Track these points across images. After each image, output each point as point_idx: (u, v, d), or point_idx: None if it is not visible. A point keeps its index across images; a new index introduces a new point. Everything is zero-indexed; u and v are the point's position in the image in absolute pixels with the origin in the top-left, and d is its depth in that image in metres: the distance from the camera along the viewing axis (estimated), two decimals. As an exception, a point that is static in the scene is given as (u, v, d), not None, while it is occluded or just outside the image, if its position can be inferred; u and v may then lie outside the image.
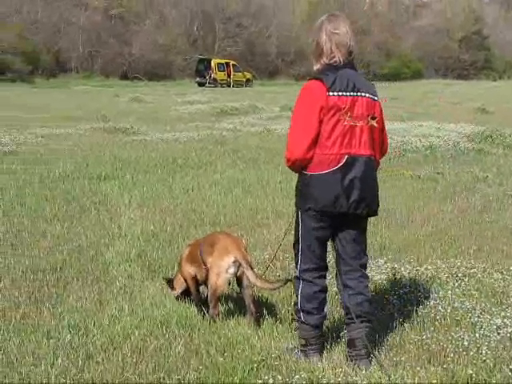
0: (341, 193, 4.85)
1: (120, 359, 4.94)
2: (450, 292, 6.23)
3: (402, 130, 19.78)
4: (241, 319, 5.71)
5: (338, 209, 4.88)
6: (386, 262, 7.03)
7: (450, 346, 5.15)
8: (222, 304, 6.06)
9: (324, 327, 5.29)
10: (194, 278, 6.02)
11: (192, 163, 14.23)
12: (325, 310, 5.15)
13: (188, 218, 9.45)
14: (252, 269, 5.65)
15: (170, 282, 6.34)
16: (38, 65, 63.85)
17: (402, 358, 4.99)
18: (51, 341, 5.22)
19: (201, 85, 61.73)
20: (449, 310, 5.80)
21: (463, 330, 5.43)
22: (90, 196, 10.89)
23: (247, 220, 9.46)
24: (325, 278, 5.17)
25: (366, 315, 5.08)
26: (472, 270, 6.91)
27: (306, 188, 4.95)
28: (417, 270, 6.83)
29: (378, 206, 5.18)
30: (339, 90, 4.84)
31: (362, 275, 5.13)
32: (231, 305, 6.11)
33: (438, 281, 6.65)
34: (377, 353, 5.10)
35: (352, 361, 4.99)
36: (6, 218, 9.29)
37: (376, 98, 5.03)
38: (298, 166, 4.97)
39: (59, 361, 4.89)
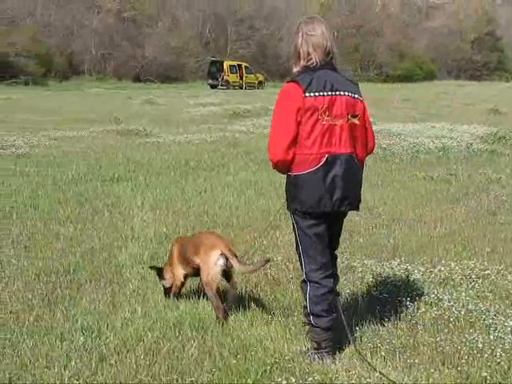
0: (324, 192, 4.94)
1: (133, 361, 4.94)
2: (463, 294, 6.20)
3: (414, 131, 19.73)
4: (254, 321, 5.70)
5: (322, 209, 4.97)
6: (399, 264, 7.01)
7: (464, 348, 5.13)
8: (236, 307, 6.06)
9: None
10: (185, 276, 6.24)
11: (204, 165, 14.24)
12: (333, 311, 5.15)
13: (200, 220, 9.45)
14: (236, 257, 5.81)
15: (159, 271, 6.47)
16: (51, 67, 64.05)
17: (416, 360, 4.97)
18: (64, 343, 5.23)
19: (213, 87, 61.80)
20: (463, 312, 5.77)
21: (477, 332, 5.41)
22: (103, 198, 10.91)
23: (260, 222, 9.44)
24: (331, 277, 5.17)
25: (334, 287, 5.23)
26: (486, 272, 6.88)
27: (292, 189, 5.06)
28: (430, 272, 6.81)
29: (360, 201, 5.25)
30: (316, 91, 4.92)
31: (335, 257, 5.39)
32: (244, 307, 6.09)
33: (452, 282, 6.63)
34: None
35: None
36: (20, 221, 9.31)
37: (357, 97, 5.09)
38: (282, 166, 5.06)
39: (72, 363, 4.90)
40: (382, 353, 5.11)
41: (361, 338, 5.38)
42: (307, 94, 4.91)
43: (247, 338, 5.32)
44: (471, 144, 16.99)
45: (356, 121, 5.05)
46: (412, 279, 6.58)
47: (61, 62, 66.32)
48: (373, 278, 6.59)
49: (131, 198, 10.78)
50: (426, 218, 9.77)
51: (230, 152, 15.98)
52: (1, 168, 13.46)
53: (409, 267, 6.89)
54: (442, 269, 6.89)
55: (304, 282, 5.18)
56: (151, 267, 6.68)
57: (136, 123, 22.70)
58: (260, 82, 66.59)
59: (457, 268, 6.95)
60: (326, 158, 4.92)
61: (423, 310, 5.90)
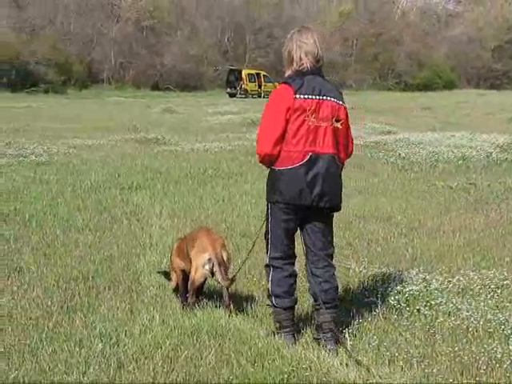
0: (304, 187, 5.31)
1: (151, 368, 4.96)
2: (482, 304, 6.18)
3: (434, 140, 19.69)
4: (271, 329, 5.70)
5: (302, 201, 5.34)
6: (417, 273, 6.98)
7: (483, 358, 5.11)
8: (252, 315, 6.07)
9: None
10: (183, 270, 6.42)
11: (222, 174, 14.27)
12: (295, 294, 5.60)
13: (218, 228, 9.46)
14: (220, 267, 6.02)
15: (167, 275, 6.80)
16: (71, 76, 64.41)
17: (434, 370, 4.96)
18: (83, 349, 5.25)
19: (231, 95, 61.89)
20: (481, 322, 5.75)
21: (496, 342, 5.38)
22: (122, 206, 10.94)
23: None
24: (293, 264, 5.61)
25: (332, 301, 5.54)
26: (505, 282, 6.84)
27: (274, 182, 5.44)
28: (449, 282, 6.77)
29: (341, 201, 5.60)
30: (305, 94, 5.33)
31: (329, 264, 5.60)
32: (261, 315, 6.10)
33: (471, 292, 6.59)
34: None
35: (320, 344, 5.46)
36: (39, 228, 9.36)
37: (341, 103, 5.48)
38: (267, 160, 5.46)
39: (91, 369, 4.92)
40: (400, 362, 5.10)
41: (378, 347, 5.37)
42: (297, 96, 5.32)
43: (264, 346, 5.32)
44: (491, 153, 16.92)
45: (339, 125, 5.46)
46: (430, 288, 6.55)
47: (80, 71, 66.67)
48: (391, 287, 6.57)
49: (149, 206, 10.81)
50: (445, 228, 9.74)
51: (248, 160, 15.98)
52: (21, 175, 13.54)
53: (427, 276, 6.86)
54: (461, 278, 6.85)
55: (267, 266, 5.63)
56: (158, 272, 7.00)
57: (155, 131, 22.77)
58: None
59: (476, 277, 6.91)
60: (310, 156, 5.32)
61: (441, 319, 5.88)
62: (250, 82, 63.12)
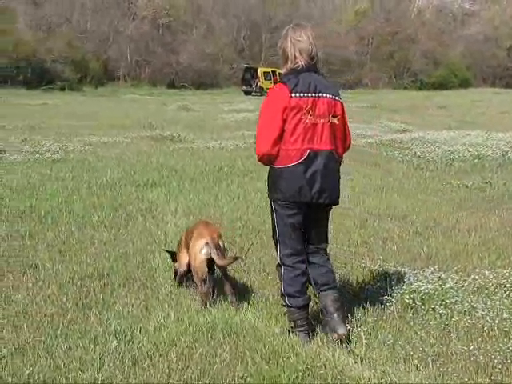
0: (304, 184, 5.41)
1: (166, 366, 4.96)
2: (498, 303, 6.14)
3: (449, 138, 19.63)
4: (285, 327, 5.69)
5: (302, 198, 5.44)
6: (432, 272, 6.94)
7: (498, 357, 5.08)
8: (267, 312, 6.07)
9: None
10: (187, 264, 6.59)
11: (238, 171, 14.26)
12: (307, 292, 5.64)
13: (233, 226, 9.46)
14: (217, 249, 6.20)
15: (172, 255, 7.01)
16: (87, 73, 64.62)
17: (449, 369, 4.93)
18: (98, 346, 5.26)
19: (247, 93, 61.91)
20: (497, 321, 5.72)
21: (512, 341, 5.36)
22: (137, 203, 10.96)
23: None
24: (304, 262, 5.63)
25: (332, 283, 5.68)
26: (521, 281, 6.81)
27: (275, 180, 5.53)
28: (464, 280, 6.74)
29: (339, 195, 5.70)
30: (301, 92, 5.40)
31: (324, 254, 5.75)
32: (275, 313, 6.09)
33: (486, 291, 6.56)
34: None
35: (328, 329, 5.53)
36: (55, 225, 9.39)
37: (337, 98, 5.59)
38: (266, 160, 5.54)
39: (106, 366, 4.93)
40: (415, 361, 5.08)
41: (393, 345, 5.36)
42: (293, 95, 5.38)
43: (279, 343, 5.31)
44: (507, 152, 16.83)
45: (336, 121, 5.56)
46: (446, 287, 6.52)
47: (96, 68, 66.89)
48: (406, 285, 6.55)
49: (165, 204, 10.82)
50: (461, 226, 9.70)
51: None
52: (37, 172, 13.59)
53: (442, 275, 6.82)
54: (477, 277, 6.81)
55: (279, 265, 5.69)
56: (165, 250, 7.25)
57: (170, 129, 22.81)
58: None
59: (491, 276, 6.87)
60: (308, 154, 5.40)
61: (457, 318, 5.85)
62: (265, 79, 63.06)
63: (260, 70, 63.63)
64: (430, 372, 4.92)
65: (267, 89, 61.99)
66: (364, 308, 6.17)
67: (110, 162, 15.38)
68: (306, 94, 5.40)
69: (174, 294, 6.63)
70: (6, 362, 5.04)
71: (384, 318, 5.93)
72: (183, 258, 6.68)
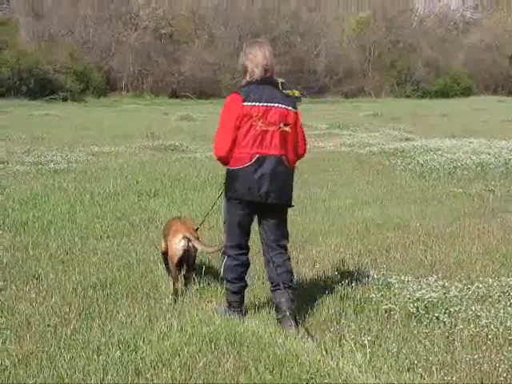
0: (253, 185, 5.95)
1: (169, 376, 4.95)
2: (502, 311, 6.13)
3: (452, 146, 19.63)
4: (289, 336, 5.68)
5: (251, 198, 5.99)
6: (436, 280, 6.94)
7: (503, 365, 5.07)
8: (271, 321, 6.06)
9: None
10: (165, 252, 7.20)
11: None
12: (246, 279, 6.31)
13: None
14: (197, 239, 6.91)
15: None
16: (89, 84, 64.64)
17: (454, 378, 4.92)
18: (101, 357, 5.25)
19: (249, 103, 61.86)
20: (501, 330, 5.71)
21: (516, 349, 5.34)
22: (140, 213, 10.97)
23: (295, 237, 9.41)
24: (245, 255, 6.27)
25: (287, 282, 6.14)
26: (524, 289, 6.79)
27: (228, 180, 6.13)
28: (468, 289, 6.73)
29: (290, 197, 6.22)
30: (253, 101, 5.94)
31: (281, 252, 6.23)
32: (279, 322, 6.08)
33: (490, 299, 6.54)
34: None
35: (280, 323, 6.01)
36: (57, 235, 9.40)
37: (290, 108, 6.09)
38: (223, 161, 6.16)
39: (109, 377, 4.92)
40: (420, 369, 5.07)
41: (397, 354, 5.34)
42: (245, 104, 5.93)
43: (283, 353, 5.30)
44: (509, 160, 16.79)
45: (288, 129, 6.07)
46: (449, 296, 6.51)
47: (99, 79, 66.88)
48: (409, 294, 6.53)
49: (168, 213, 10.80)
50: (464, 234, 9.69)
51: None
52: (39, 183, 13.61)
53: (446, 283, 6.82)
54: (480, 285, 6.81)
55: (223, 253, 6.34)
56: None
57: (173, 139, 22.82)
58: (296, 98, 66.54)
59: (495, 284, 6.86)
60: (257, 158, 5.95)
61: (461, 326, 5.83)
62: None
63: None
64: (435, 381, 4.91)
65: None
66: (368, 316, 6.17)
67: (112, 171, 15.39)
68: (257, 103, 5.94)
69: (177, 303, 6.62)
70: (10, 372, 5.04)
71: (388, 326, 5.92)
72: (161, 245, 7.38)
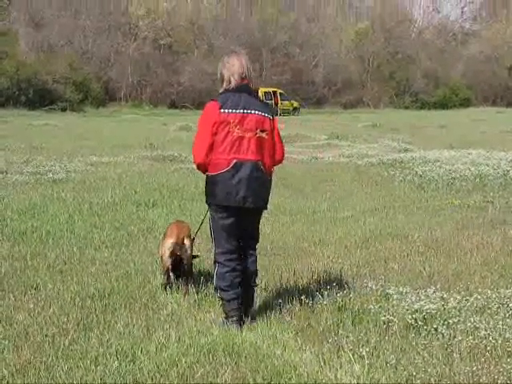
0: (231, 190, 6.12)
1: (167, 386, 4.94)
2: (500, 322, 6.11)
3: (450, 157, 19.64)
4: (287, 347, 5.67)
5: (230, 203, 6.16)
6: (434, 292, 6.93)
7: (502, 377, 5.06)
8: (269, 332, 6.06)
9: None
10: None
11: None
12: (238, 287, 6.31)
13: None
14: (182, 249, 7.17)
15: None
16: (88, 94, 64.73)
17: (452, 390, 4.91)
18: (99, 367, 5.24)
19: (248, 113, 61.86)
20: (500, 341, 5.69)
21: (515, 361, 5.33)
22: (138, 223, 10.97)
23: (293, 248, 9.45)
24: (235, 260, 6.33)
25: (251, 283, 6.53)
26: (523, 300, 6.78)
27: (208, 186, 6.30)
28: (466, 300, 6.71)
29: (266, 202, 6.44)
30: (230, 108, 6.13)
31: (251, 253, 6.50)
32: (277, 333, 6.07)
33: (489, 311, 6.52)
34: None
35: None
36: (56, 245, 9.40)
37: (266, 115, 6.28)
38: (202, 167, 6.31)
39: (107, 387, 4.91)
40: (418, 381, 5.05)
41: (396, 366, 5.33)
42: (222, 111, 6.11)
43: (281, 364, 5.29)
44: (508, 171, 16.79)
45: (264, 135, 6.26)
46: (448, 307, 6.50)
47: (97, 89, 67.01)
48: (408, 305, 6.52)
49: (166, 223, 10.76)
50: (462, 246, 9.67)
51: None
52: (38, 193, 13.61)
53: (445, 295, 6.80)
54: (479, 297, 6.79)
55: (214, 262, 6.42)
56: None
57: (171, 149, 22.84)
58: (295, 109, 66.67)
59: (494, 296, 6.85)
60: (235, 163, 6.11)
61: (459, 338, 5.82)
62: (266, 100, 62.97)
63: (261, 90, 63.54)
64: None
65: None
66: (366, 328, 6.15)
67: (111, 182, 15.40)
68: (234, 110, 6.13)
69: (176, 314, 6.62)
70: (7, 382, 5.04)
71: (386, 338, 5.90)
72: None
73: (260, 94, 62.24)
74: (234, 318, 6.25)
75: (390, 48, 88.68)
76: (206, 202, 6.37)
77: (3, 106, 54.38)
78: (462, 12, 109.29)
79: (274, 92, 65.12)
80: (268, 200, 6.46)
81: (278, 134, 6.48)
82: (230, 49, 6.75)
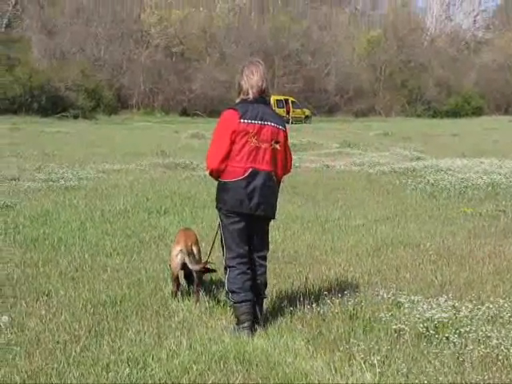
0: (244, 197, 6.28)
1: (178, 394, 4.95)
2: (512, 331, 6.10)
3: (463, 166, 19.60)
4: (298, 355, 5.67)
5: (242, 209, 6.30)
6: (446, 300, 6.91)
7: (514, 387, 5.04)
8: (280, 340, 6.05)
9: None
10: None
11: (251, 199, 14.21)
12: (249, 290, 6.38)
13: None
14: (190, 256, 7.20)
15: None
16: (100, 101, 64.91)
17: (464, 399, 4.90)
18: (110, 374, 5.26)
19: (260, 121, 61.83)
20: (512, 351, 5.69)
21: (527, 370, 5.31)
22: (150, 230, 10.99)
23: (305, 256, 9.44)
24: (246, 264, 6.43)
25: (261, 294, 6.59)
26: (535, 310, 6.75)
27: (220, 192, 6.43)
28: (478, 309, 6.69)
29: (275, 210, 6.59)
30: (249, 118, 6.27)
31: (261, 264, 6.59)
32: (289, 341, 6.06)
33: (501, 320, 6.51)
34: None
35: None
36: (68, 252, 9.43)
37: (280, 127, 6.46)
38: (215, 174, 6.43)
39: (118, 394, 4.92)
40: (429, 390, 5.04)
41: (407, 374, 5.32)
42: (242, 120, 6.26)
43: (292, 372, 5.29)
44: (520, 180, 16.76)
45: (278, 146, 6.44)
46: (459, 316, 6.48)
47: (110, 96, 67.16)
48: (419, 314, 6.51)
49: (177, 231, 10.81)
50: (475, 255, 9.65)
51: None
52: (50, 200, 13.65)
53: (456, 304, 6.78)
54: (491, 306, 6.77)
55: (224, 267, 6.54)
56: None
57: (183, 157, 22.87)
58: (307, 117, 66.61)
59: (506, 305, 6.83)
60: (250, 172, 6.27)
61: (471, 347, 5.80)
62: (278, 107, 62.89)
63: (273, 98, 63.43)
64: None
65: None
66: (377, 336, 6.15)
67: (122, 189, 15.43)
68: (253, 121, 6.27)
69: (187, 321, 6.63)
70: (19, 389, 5.04)
71: (397, 346, 5.90)
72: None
73: (272, 101, 62.20)
74: (246, 324, 6.31)
75: (403, 56, 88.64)
76: (216, 207, 6.52)
77: (16, 113, 54.59)
78: (475, 20, 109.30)
79: (286, 100, 65.08)
80: (276, 209, 6.62)
81: (289, 145, 6.67)
82: (249, 59, 6.81)
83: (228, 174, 6.32)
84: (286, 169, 6.70)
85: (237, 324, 6.36)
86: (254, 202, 6.29)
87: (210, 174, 6.52)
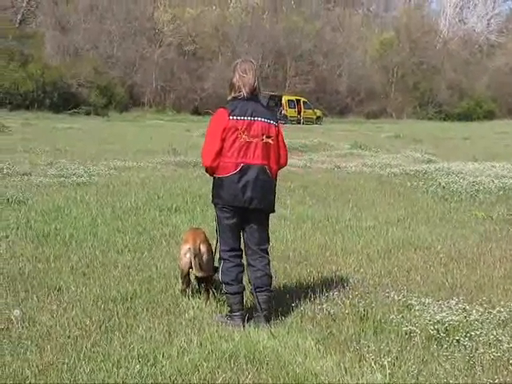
0: (238, 192, 6.48)
1: (188, 391, 4.95)
2: (524, 335, 6.09)
3: (474, 169, 19.55)
4: (309, 355, 5.67)
5: (236, 203, 6.49)
6: (457, 303, 6.89)
7: (524, 391, 5.03)
8: (291, 339, 6.05)
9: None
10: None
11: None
12: (242, 282, 6.66)
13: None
14: (196, 258, 7.14)
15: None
16: (112, 98, 65.08)
17: (474, 402, 4.89)
18: (121, 370, 5.27)
19: (271, 121, 61.82)
20: (522, 354, 5.67)
21: (538, 374, 5.30)
22: (161, 228, 11.00)
23: (316, 257, 9.43)
24: (239, 257, 6.69)
25: (265, 286, 6.66)
26: (546, 314, 6.74)
27: (215, 188, 6.65)
28: (489, 313, 6.68)
29: (272, 204, 6.75)
30: (238, 115, 6.50)
31: (262, 256, 6.72)
32: (299, 341, 6.06)
33: (511, 324, 6.50)
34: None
35: (254, 321, 6.56)
36: (79, 248, 9.45)
37: (271, 122, 6.66)
38: (210, 170, 6.67)
39: (128, 390, 4.93)
40: (439, 392, 5.04)
41: (417, 377, 5.31)
42: (231, 117, 6.49)
43: (302, 372, 5.29)
44: (532, 184, 16.71)
45: (270, 141, 6.63)
46: (470, 319, 6.47)
47: (122, 94, 67.36)
48: (430, 316, 6.50)
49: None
50: (486, 258, 9.63)
51: (287, 186, 15.96)
52: (62, 196, 13.69)
53: (467, 307, 6.77)
54: (502, 310, 6.75)
55: (219, 259, 6.74)
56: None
57: (194, 155, 22.86)
58: (318, 118, 66.49)
59: (516, 309, 6.82)
60: (242, 167, 6.48)
61: (481, 350, 5.79)
62: (289, 108, 63.05)
63: (284, 98, 63.60)
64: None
65: (291, 117, 62.30)
66: (388, 338, 6.14)
67: (134, 186, 15.46)
68: (242, 117, 6.49)
69: (197, 319, 6.64)
70: (30, 383, 5.07)
71: (408, 348, 5.89)
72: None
73: (284, 101, 62.26)
74: (238, 313, 6.57)
75: (415, 58, 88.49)
76: (212, 201, 6.70)
77: (28, 109, 54.85)
78: (488, 24, 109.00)
79: (298, 100, 65.01)
80: (274, 203, 6.78)
81: (283, 139, 6.85)
82: (242, 58, 7.08)
83: (221, 169, 6.53)
84: (281, 162, 6.86)
85: (229, 312, 6.64)
86: (248, 196, 6.47)
87: (206, 170, 6.78)
